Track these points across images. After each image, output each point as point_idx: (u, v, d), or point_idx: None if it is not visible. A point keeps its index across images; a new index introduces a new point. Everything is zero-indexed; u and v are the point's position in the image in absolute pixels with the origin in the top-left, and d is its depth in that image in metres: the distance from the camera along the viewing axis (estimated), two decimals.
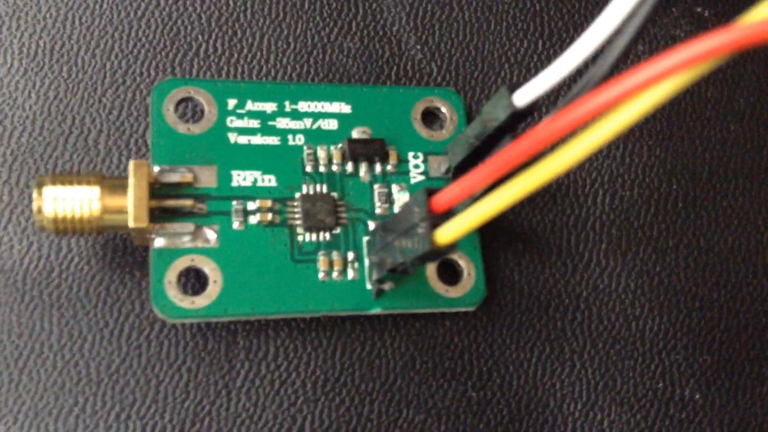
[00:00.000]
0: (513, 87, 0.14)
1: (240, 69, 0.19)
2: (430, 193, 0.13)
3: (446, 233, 0.13)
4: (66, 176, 0.15)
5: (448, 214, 0.13)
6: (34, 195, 0.15)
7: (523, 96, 0.14)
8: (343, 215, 0.17)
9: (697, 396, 0.18)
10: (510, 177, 0.12)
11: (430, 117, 0.19)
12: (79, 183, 0.15)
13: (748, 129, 0.21)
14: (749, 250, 0.20)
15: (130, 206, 0.15)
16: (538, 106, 0.16)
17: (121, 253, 0.17)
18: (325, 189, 0.17)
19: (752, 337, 0.19)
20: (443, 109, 0.18)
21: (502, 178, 0.13)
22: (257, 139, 0.17)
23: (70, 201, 0.15)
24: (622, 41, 0.12)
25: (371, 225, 0.17)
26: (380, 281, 0.16)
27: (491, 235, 0.18)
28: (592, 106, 0.10)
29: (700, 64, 0.09)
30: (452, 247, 0.13)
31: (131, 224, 0.15)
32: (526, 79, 0.17)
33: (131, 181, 0.15)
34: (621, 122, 0.11)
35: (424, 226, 0.13)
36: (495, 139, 0.16)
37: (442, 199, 0.13)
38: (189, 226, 0.16)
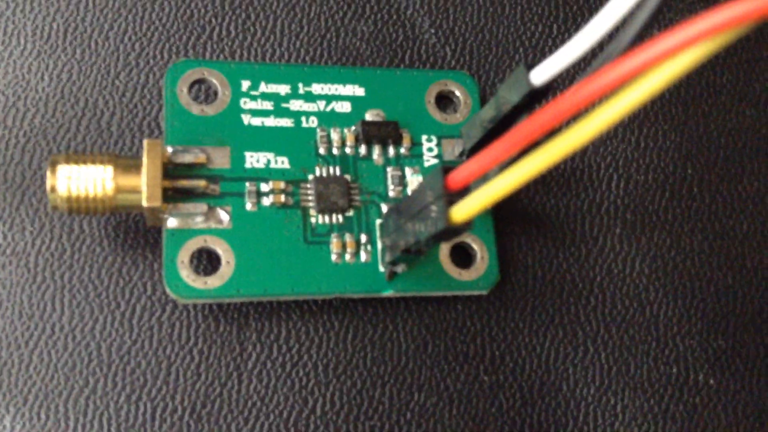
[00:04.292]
0: (530, 65, 0.14)
1: (253, 52, 0.18)
2: (447, 170, 0.13)
3: (462, 211, 0.13)
4: (80, 155, 0.15)
5: (464, 191, 0.13)
6: (48, 174, 0.15)
7: (541, 74, 0.14)
8: (356, 198, 0.17)
9: (711, 381, 0.18)
10: (526, 153, 0.12)
11: (444, 101, 0.19)
12: (93, 162, 0.15)
13: (764, 114, 0.20)
14: (764, 235, 0.20)
15: (144, 185, 0.15)
16: (553, 87, 0.15)
17: (133, 234, 0.17)
18: (338, 171, 0.17)
19: (767, 322, 0.19)
20: (457, 93, 0.18)
21: (519, 154, 0.12)
22: (270, 121, 0.17)
23: (83, 180, 0.15)
24: (642, 16, 0.12)
25: (384, 208, 0.17)
26: (393, 263, 0.16)
27: (505, 219, 0.18)
28: (621, 72, 0.10)
29: (735, 28, 0.09)
30: (468, 225, 0.13)
31: (145, 203, 0.15)
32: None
33: (145, 160, 0.15)
34: (642, 93, 0.10)
35: (441, 204, 0.13)
36: (510, 121, 0.16)
37: (459, 176, 0.13)
38: (202, 207, 0.16)
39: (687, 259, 0.19)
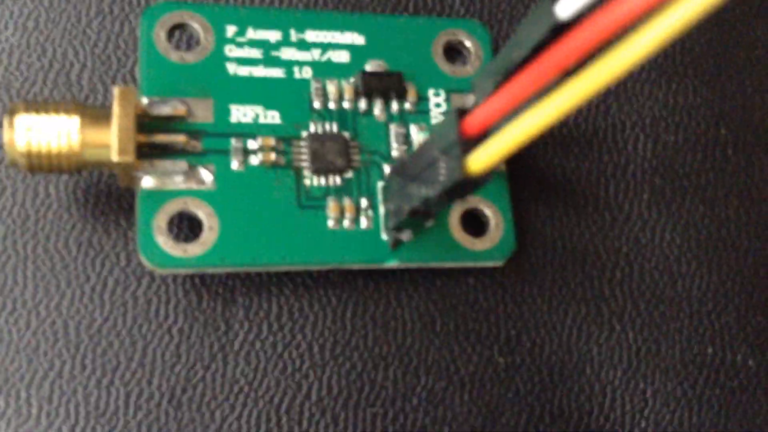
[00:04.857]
0: None
1: None
2: (462, 113, 0.12)
3: (480, 159, 0.12)
4: (42, 104, 0.14)
5: (482, 137, 0.12)
6: (5, 124, 0.13)
7: (567, 6, 0.12)
8: (356, 157, 0.16)
9: (751, 362, 0.17)
10: (550, 90, 0.11)
11: (453, 52, 0.17)
12: (57, 111, 0.14)
13: None
14: None
15: (114, 138, 0.14)
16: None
17: (105, 198, 0.15)
18: (335, 128, 0.16)
19: None
20: (467, 43, 0.17)
21: (542, 92, 0.11)
22: (259, 71, 0.16)
23: (46, 132, 0.13)
24: None
25: (387, 169, 0.16)
26: (397, 229, 0.15)
27: (521, 183, 0.17)
28: None
29: None
30: (487, 177, 0.12)
31: (115, 158, 0.14)
32: None
33: (116, 109, 0.14)
34: (683, 15, 0.09)
35: (456, 152, 0.12)
36: None
37: (476, 119, 0.12)
38: (182, 165, 0.14)
39: (722, 227, 0.18)
